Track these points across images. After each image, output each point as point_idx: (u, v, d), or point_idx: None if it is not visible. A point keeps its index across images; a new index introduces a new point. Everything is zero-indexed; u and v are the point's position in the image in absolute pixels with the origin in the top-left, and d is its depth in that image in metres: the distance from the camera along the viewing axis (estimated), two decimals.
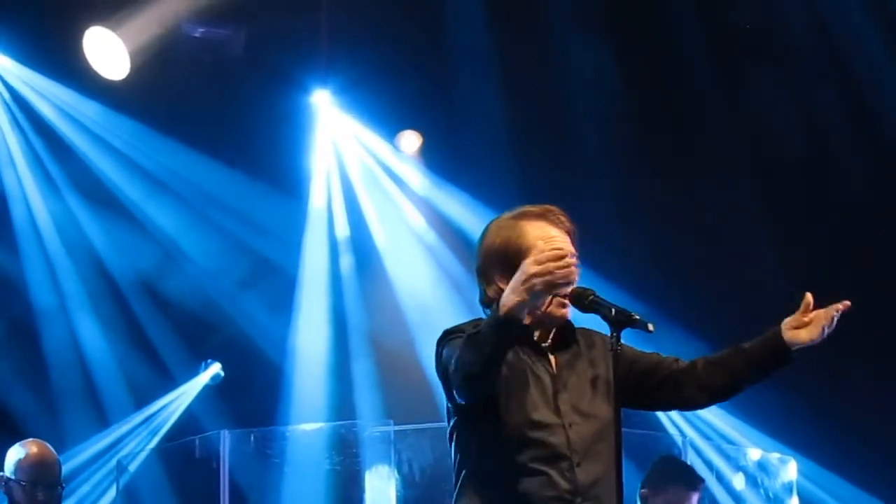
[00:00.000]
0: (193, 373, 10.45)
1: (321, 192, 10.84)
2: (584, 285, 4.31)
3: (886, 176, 10.22)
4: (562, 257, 3.96)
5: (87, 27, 9.37)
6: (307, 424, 9.85)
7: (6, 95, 9.72)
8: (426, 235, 10.86)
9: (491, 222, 4.40)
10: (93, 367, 10.04)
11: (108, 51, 9.43)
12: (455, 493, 4.27)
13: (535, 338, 4.29)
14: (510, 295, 3.94)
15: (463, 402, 4.13)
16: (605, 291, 4.30)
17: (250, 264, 10.44)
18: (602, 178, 10.46)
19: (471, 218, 10.20)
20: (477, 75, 10.28)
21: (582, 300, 4.25)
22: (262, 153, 10.30)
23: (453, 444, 4.29)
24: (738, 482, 9.56)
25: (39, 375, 9.78)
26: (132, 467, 9.95)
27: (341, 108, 10.65)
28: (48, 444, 6.31)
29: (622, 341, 4.13)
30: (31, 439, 6.35)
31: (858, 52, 10.05)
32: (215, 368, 10.46)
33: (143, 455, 10.04)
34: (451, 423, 4.28)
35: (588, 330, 4.41)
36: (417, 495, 8.76)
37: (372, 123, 10.76)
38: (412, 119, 10.67)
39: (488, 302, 4.29)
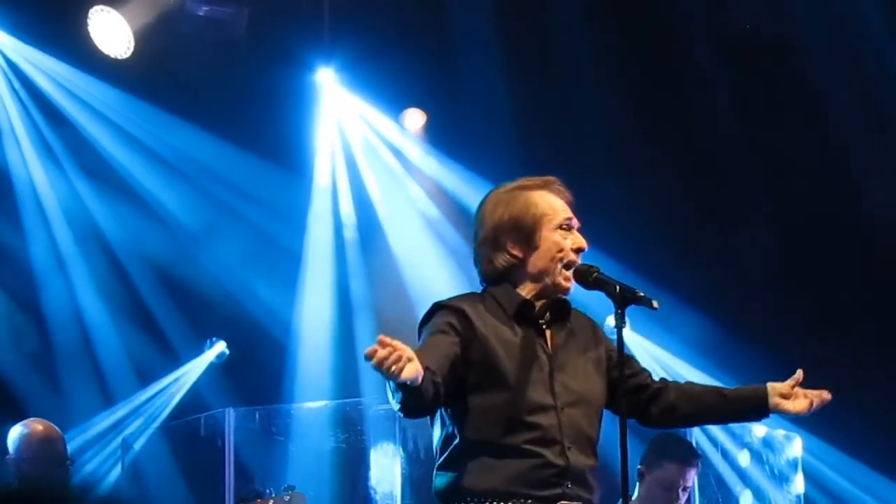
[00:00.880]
0: (198, 351, 10.46)
1: (325, 169, 10.83)
2: (587, 262, 4.32)
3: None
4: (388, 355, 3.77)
5: (91, 5, 9.37)
6: (312, 402, 9.86)
7: (9, 73, 9.70)
8: (430, 212, 10.86)
9: (490, 193, 4.42)
10: (97, 346, 10.04)
11: (111, 29, 9.43)
12: (441, 462, 4.25)
13: (536, 309, 4.30)
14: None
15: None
16: (608, 267, 4.31)
17: (254, 241, 10.43)
18: (605, 155, 10.46)
19: (474, 194, 10.18)
20: (480, 52, 10.26)
21: (586, 277, 4.27)
22: (266, 131, 10.29)
23: (443, 414, 4.28)
24: (744, 459, 9.56)
25: (43, 353, 9.78)
26: (137, 445, 9.97)
27: (345, 85, 10.64)
28: (49, 422, 6.31)
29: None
30: (32, 418, 6.33)
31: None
32: (220, 346, 10.46)
33: (148, 433, 10.06)
34: None
35: (578, 311, 4.43)
36: (422, 472, 8.76)
37: (376, 101, 10.75)
38: (415, 96, 10.66)
39: (493, 271, 4.31)
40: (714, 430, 9.74)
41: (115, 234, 10.09)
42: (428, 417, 4.29)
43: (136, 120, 10.05)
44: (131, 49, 9.46)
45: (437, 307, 4.28)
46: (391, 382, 3.84)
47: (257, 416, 9.30)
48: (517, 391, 4.16)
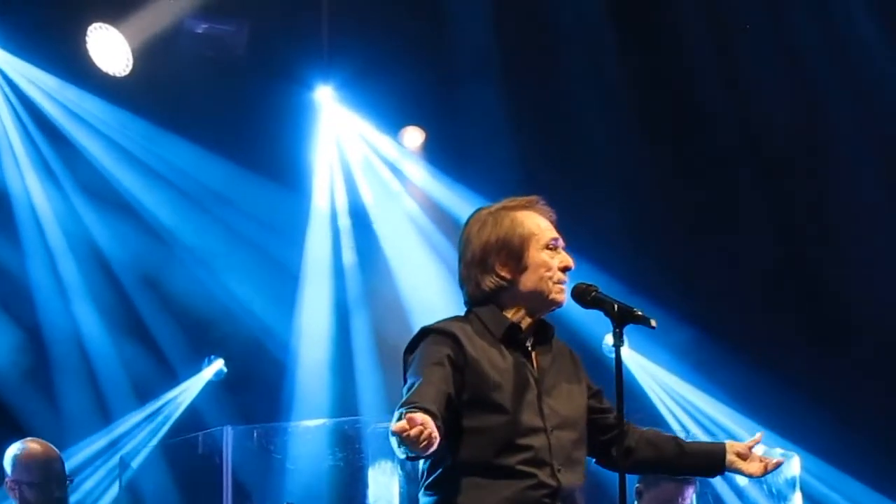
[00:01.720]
0: (196, 369, 10.45)
1: (324, 187, 10.84)
2: (586, 281, 4.33)
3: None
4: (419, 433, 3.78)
5: (89, 23, 9.38)
6: (310, 420, 9.85)
7: (8, 91, 9.71)
8: (429, 230, 10.87)
9: (474, 214, 4.42)
10: (95, 363, 10.03)
11: (110, 46, 9.44)
12: (430, 482, 4.23)
13: (523, 329, 4.30)
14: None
15: None
16: (605, 286, 4.31)
17: (253, 259, 10.43)
18: (605, 174, 10.47)
19: None
20: (479, 70, 10.28)
21: (584, 296, 4.27)
22: (265, 149, 10.30)
23: None
24: (742, 478, 9.52)
25: (41, 371, 9.77)
26: (135, 463, 9.96)
27: (344, 103, 10.65)
28: (47, 442, 6.28)
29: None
30: (29, 438, 6.27)
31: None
32: (218, 364, 10.46)
33: (146, 451, 10.05)
34: None
35: (556, 337, 4.43)
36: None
37: (374, 119, 10.76)
38: (414, 115, 10.67)
39: (480, 293, 4.31)
40: None
41: (114, 251, 10.09)
42: None
43: (135, 138, 10.06)
44: (130, 67, 9.47)
45: (426, 332, 4.25)
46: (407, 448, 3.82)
47: (255, 434, 9.29)
48: (510, 414, 4.16)
